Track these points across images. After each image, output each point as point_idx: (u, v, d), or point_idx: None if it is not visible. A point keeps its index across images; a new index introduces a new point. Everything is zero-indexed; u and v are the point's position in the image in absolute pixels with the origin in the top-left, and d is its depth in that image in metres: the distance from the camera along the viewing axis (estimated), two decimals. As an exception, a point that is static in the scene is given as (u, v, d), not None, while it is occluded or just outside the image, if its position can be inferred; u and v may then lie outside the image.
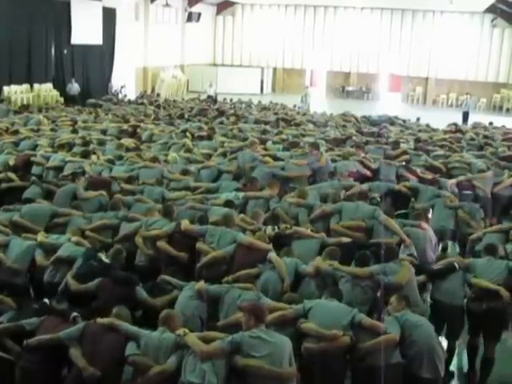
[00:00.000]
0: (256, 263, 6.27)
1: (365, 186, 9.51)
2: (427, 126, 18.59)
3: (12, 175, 9.67)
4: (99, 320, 4.91)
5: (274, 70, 37.78)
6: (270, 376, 4.53)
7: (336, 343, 5.02)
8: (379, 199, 9.07)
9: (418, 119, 20.43)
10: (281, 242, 6.80)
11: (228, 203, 8.12)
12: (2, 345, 4.91)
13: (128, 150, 11.75)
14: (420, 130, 17.26)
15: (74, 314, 5.16)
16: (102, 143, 12.31)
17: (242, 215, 7.66)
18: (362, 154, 11.62)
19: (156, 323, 5.01)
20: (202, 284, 5.73)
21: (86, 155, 10.74)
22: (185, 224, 6.99)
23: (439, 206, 8.97)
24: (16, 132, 13.13)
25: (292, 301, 5.67)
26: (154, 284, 6.01)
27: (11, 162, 10.42)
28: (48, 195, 8.73)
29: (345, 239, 7.08)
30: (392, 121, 19.08)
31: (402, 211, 8.82)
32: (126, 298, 5.66)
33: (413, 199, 9.49)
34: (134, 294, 5.74)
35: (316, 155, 10.66)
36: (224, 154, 11.67)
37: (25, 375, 4.77)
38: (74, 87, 23.36)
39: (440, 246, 8.84)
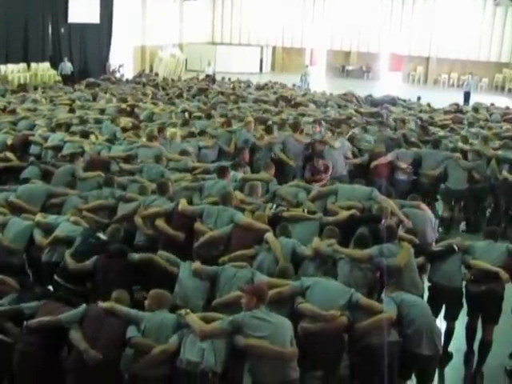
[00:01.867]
0: (253, 244, 6.26)
1: (392, 154, 10.06)
2: (428, 105, 18.48)
3: (10, 155, 9.64)
4: (100, 304, 4.91)
5: (274, 48, 37.52)
6: (273, 356, 4.55)
7: (333, 324, 5.03)
8: (410, 168, 9.90)
9: (419, 98, 20.31)
10: (278, 223, 6.75)
11: (221, 171, 8.05)
12: (1, 327, 4.91)
13: (126, 130, 11.66)
14: (421, 111, 17.14)
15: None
16: (99, 122, 12.22)
17: (240, 194, 7.59)
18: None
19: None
20: (197, 264, 5.75)
21: (84, 135, 10.67)
22: (182, 204, 6.97)
23: (453, 167, 9.71)
24: (13, 111, 13.05)
25: (285, 273, 5.68)
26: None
27: (9, 142, 10.36)
28: (46, 176, 8.69)
29: (343, 214, 7.03)
30: (394, 101, 18.96)
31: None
32: (122, 271, 5.72)
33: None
34: (128, 263, 5.77)
35: (320, 132, 10.61)
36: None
37: (23, 357, 4.77)
38: (67, 66, 23.22)
39: (456, 208, 9.98)
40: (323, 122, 12.65)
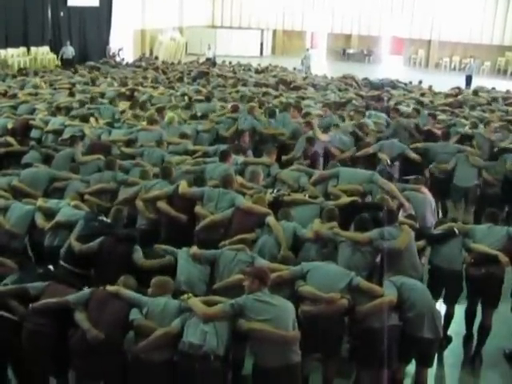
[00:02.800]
0: (254, 227, 6.27)
1: (376, 146, 9.41)
2: (430, 89, 18.40)
3: (11, 139, 9.63)
4: (107, 287, 4.95)
5: (274, 31, 37.28)
6: (275, 339, 4.56)
7: (334, 306, 5.04)
8: (389, 162, 9.03)
9: (420, 82, 20.22)
10: (278, 208, 6.74)
11: (223, 154, 8.04)
12: (6, 306, 4.95)
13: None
14: (423, 94, 17.07)
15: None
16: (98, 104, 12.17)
17: (240, 179, 7.60)
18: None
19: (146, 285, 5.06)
20: (195, 249, 5.76)
21: (84, 119, 10.65)
22: (182, 187, 6.97)
23: (462, 162, 9.08)
24: (14, 96, 13.02)
25: (287, 260, 5.70)
26: (148, 251, 5.98)
27: (10, 126, 10.35)
28: (47, 160, 8.70)
29: (344, 199, 7.04)
30: (394, 84, 18.87)
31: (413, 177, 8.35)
32: (128, 255, 5.73)
33: (433, 164, 9.42)
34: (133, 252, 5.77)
35: (330, 116, 10.60)
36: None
37: (31, 336, 4.82)
38: (69, 50, 23.06)
39: (464, 204, 9.25)
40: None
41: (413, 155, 9.39)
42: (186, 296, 4.81)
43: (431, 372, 5.62)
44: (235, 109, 11.28)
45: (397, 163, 9.41)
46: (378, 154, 9.27)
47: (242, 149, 9.03)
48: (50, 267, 5.66)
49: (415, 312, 5.11)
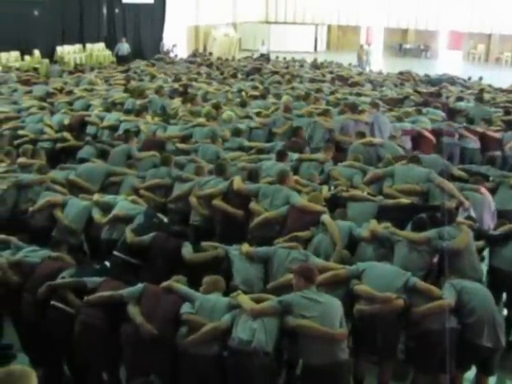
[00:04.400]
0: (309, 225, 6.20)
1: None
2: (489, 86, 17.88)
3: (67, 135, 9.84)
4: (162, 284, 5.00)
5: (329, 27, 37.03)
6: (322, 336, 4.51)
7: (389, 306, 4.94)
8: None
9: (481, 79, 19.67)
10: (336, 204, 6.69)
11: (280, 154, 7.99)
12: (63, 298, 5.05)
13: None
14: (482, 90, 16.59)
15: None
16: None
17: (296, 177, 7.54)
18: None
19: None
20: (247, 247, 5.73)
21: (139, 113, 10.78)
22: (237, 183, 6.97)
23: (504, 186, 7.97)
24: (70, 92, 13.31)
25: (342, 260, 5.64)
26: (197, 247, 5.99)
27: (66, 122, 10.57)
28: (102, 155, 8.85)
29: (404, 200, 6.89)
30: (453, 80, 18.41)
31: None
32: (178, 251, 5.75)
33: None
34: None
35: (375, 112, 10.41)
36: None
37: (84, 329, 4.89)
38: (124, 47, 23.41)
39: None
40: (380, 102, 12.39)
41: (458, 172, 8.54)
42: (235, 293, 4.83)
43: (492, 380, 5.41)
44: (287, 109, 11.21)
45: None
46: None
47: (298, 146, 8.93)
48: (107, 263, 5.74)
49: (475, 318, 4.94)
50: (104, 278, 5.19)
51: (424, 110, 12.02)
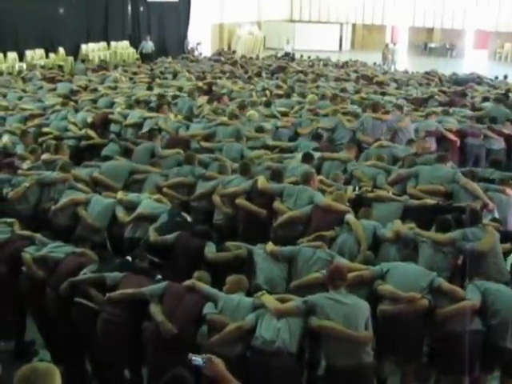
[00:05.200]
0: (333, 225, 6.16)
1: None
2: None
3: (91, 132, 9.88)
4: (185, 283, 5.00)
5: (354, 26, 36.83)
6: (346, 338, 4.48)
7: (413, 306, 4.89)
8: None
9: (506, 77, 19.40)
10: (360, 205, 6.64)
11: (306, 157, 7.93)
12: (86, 294, 5.08)
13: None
14: (508, 90, 16.34)
15: (159, 276, 5.25)
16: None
17: (321, 177, 7.51)
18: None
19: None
20: (271, 247, 5.70)
21: (159, 108, 10.78)
22: (262, 182, 6.95)
23: None
24: (95, 90, 13.39)
25: (366, 260, 5.60)
26: (220, 247, 5.98)
27: (90, 120, 10.62)
28: (126, 153, 8.84)
29: (429, 201, 6.82)
30: (480, 80, 18.17)
31: None
32: (201, 251, 5.74)
33: None
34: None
35: (399, 115, 10.30)
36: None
37: (107, 326, 4.91)
38: (148, 45, 23.53)
39: None
40: (405, 102, 12.25)
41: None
42: (259, 293, 4.81)
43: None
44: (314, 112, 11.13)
45: None
46: None
47: (327, 149, 8.86)
48: (128, 258, 5.73)
49: (499, 319, 4.87)
50: (125, 273, 5.18)
51: (450, 110, 11.88)
